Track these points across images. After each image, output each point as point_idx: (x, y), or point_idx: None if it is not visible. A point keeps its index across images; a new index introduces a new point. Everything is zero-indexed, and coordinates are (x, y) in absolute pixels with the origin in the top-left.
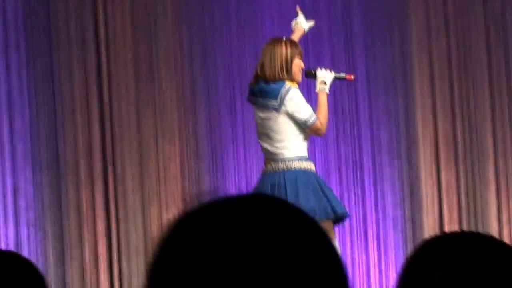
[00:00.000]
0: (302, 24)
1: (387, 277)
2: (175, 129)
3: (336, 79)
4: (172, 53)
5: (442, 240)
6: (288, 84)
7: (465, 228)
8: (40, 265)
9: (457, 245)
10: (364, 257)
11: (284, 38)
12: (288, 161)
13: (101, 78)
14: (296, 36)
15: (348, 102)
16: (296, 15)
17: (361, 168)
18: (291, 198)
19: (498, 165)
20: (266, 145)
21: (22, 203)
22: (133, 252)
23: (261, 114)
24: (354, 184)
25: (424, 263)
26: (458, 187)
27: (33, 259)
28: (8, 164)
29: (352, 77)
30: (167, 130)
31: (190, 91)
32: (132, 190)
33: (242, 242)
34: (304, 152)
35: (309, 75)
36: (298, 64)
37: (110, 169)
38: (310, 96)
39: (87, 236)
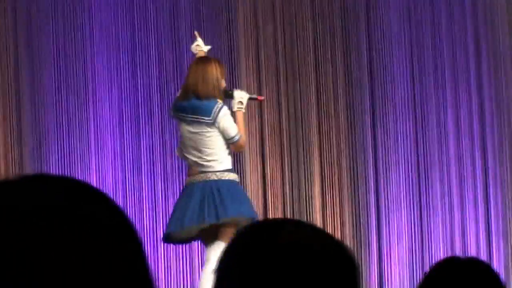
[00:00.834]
0: (202, 47)
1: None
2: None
3: (250, 99)
4: None
5: (259, 227)
6: (220, 102)
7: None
8: None
9: (272, 231)
10: (188, 250)
11: (212, 59)
12: (219, 173)
13: None
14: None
15: (175, 93)
16: (194, 39)
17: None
18: (231, 204)
19: (322, 157)
20: (195, 158)
21: None
22: None
23: (191, 129)
24: (179, 176)
25: (239, 249)
26: (282, 179)
27: None
28: None
29: (262, 98)
30: None
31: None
32: None
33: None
34: (231, 165)
35: (227, 95)
36: (222, 84)
37: None
38: None
39: None
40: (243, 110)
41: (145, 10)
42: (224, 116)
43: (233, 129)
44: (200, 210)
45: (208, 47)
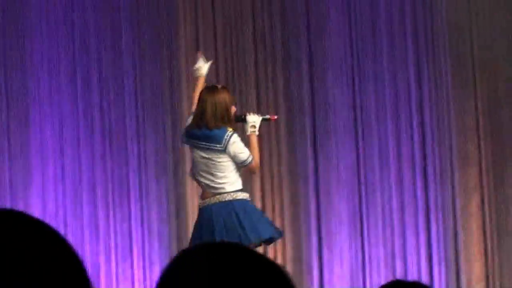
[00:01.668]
0: (203, 70)
1: None
2: None
3: (263, 120)
4: None
5: (198, 250)
6: (229, 130)
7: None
8: None
9: (211, 254)
10: (129, 272)
11: (219, 87)
12: (233, 193)
13: None
14: (200, 83)
15: (116, 116)
16: (196, 60)
17: (128, 183)
18: (250, 230)
19: (264, 182)
20: (207, 181)
21: None
22: None
23: (204, 154)
24: (120, 199)
25: (179, 272)
26: None
27: None
28: None
29: (275, 117)
30: None
31: None
32: None
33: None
34: (241, 185)
35: (239, 119)
36: (233, 109)
37: None
38: None
39: None
40: (257, 133)
41: (86, 31)
42: (233, 144)
43: (244, 154)
44: (227, 236)
45: (209, 64)
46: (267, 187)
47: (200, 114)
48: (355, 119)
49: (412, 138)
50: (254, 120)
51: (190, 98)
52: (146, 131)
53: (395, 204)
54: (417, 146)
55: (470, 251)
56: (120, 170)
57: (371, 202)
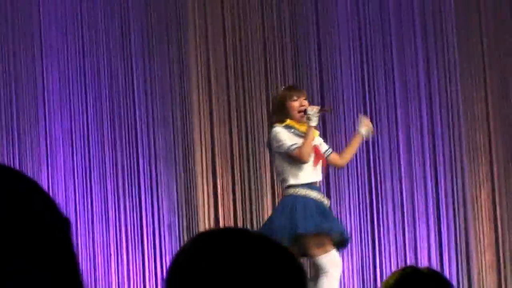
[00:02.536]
0: (362, 131)
1: (163, 284)
2: None
3: (320, 111)
4: None
5: (212, 235)
6: (275, 126)
7: None
8: None
9: (225, 240)
10: (141, 263)
11: (283, 88)
12: (288, 188)
13: None
14: (355, 141)
15: (125, 108)
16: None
17: (138, 174)
18: (295, 218)
19: (273, 173)
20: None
21: None
22: None
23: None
24: (131, 190)
25: (192, 255)
26: (234, 194)
27: None
28: None
29: (329, 109)
30: None
31: None
32: None
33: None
34: (299, 180)
35: (305, 113)
36: (294, 105)
37: None
38: None
39: None
40: (312, 124)
41: (95, 22)
42: (273, 139)
43: (285, 143)
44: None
45: (368, 129)
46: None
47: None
48: (365, 111)
49: (421, 129)
50: (311, 111)
51: (200, 89)
52: (156, 122)
53: (405, 194)
54: (426, 136)
55: (480, 241)
56: (130, 161)
57: (381, 192)
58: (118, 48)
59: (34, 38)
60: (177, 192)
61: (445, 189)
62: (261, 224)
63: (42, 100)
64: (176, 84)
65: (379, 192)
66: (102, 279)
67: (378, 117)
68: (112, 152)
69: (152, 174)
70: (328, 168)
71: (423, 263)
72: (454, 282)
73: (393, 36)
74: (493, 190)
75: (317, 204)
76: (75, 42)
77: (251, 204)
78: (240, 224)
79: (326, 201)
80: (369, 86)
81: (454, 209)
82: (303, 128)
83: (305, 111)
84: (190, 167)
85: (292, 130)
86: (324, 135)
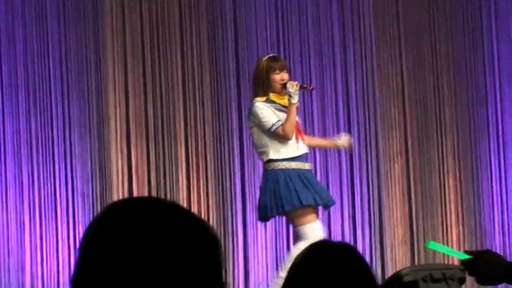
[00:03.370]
0: (340, 142)
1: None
2: None
3: (301, 88)
4: None
5: (125, 204)
6: (256, 100)
7: None
8: None
9: (137, 209)
10: (54, 232)
11: (262, 56)
12: (268, 163)
13: None
14: (323, 142)
15: (40, 78)
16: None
17: (52, 144)
18: (280, 197)
19: (188, 145)
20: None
21: None
22: None
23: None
24: (45, 160)
25: (104, 224)
26: (148, 164)
27: None
28: None
29: (312, 87)
30: None
31: None
32: None
33: None
34: (281, 155)
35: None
36: (276, 78)
37: None
38: None
39: None
40: (292, 101)
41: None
42: (255, 115)
43: (268, 121)
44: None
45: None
46: (193, 150)
47: None
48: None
49: (336, 102)
50: (291, 87)
51: (114, 61)
52: (70, 92)
53: (318, 166)
54: (341, 109)
55: (394, 215)
56: (44, 130)
57: None
58: (34, 18)
59: None
60: (91, 162)
61: (359, 163)
62: (175, 194)
63: None
64: (91, 55)
65: None
66: (16, 247)
67: None
68: (26, 121)
69: (66, 144)
70: None
71: (336, 237)
72: (367, 256)
73: (309, 5)
74: (407, 164)
75: (300, 173)
76: None
77: (165, 174)
78: (154, 194)
79: (307, 166)
80: (284, 56)
81: (368, 183)
82: (283, 101)
83: (284, 86)
84: (104, 137)
85: (274, 105)
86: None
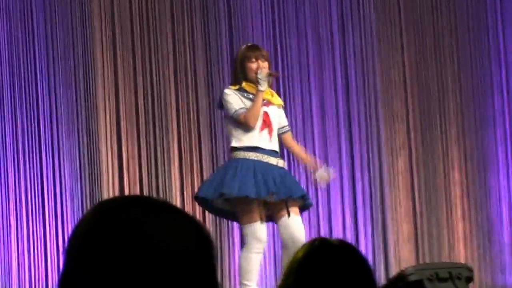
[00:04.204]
0: (320, 176)
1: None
2: None
3: (269, 75)
4: None
5: (114, 203)
6: (225, 87)
7: None
8: None
9: (127, 208)
10: (41, 231)
11: (241, 46)
12: (230, 151)
13: None
14: (305, 159)
15: (26, 71)
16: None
17: (39, 139)
18: (224, 178)
19: (181, 140)
20: None
21: None
22: None
23: None
24: (31, 155)
25: (93, 224)
26: (139, 159)
27: None
28: None
29: (276, 74)
30: None
31: None
32: None
33: None
34: (241, 143)
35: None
36: (252, 67)
37: None
38: None
39: None
40: (260, 88)
41: None
42: (221, 100)
43: (231, 107)
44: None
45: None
46: (186, 146)
47: None
48: (277, 69)
49: (336, 93)
50: (259, 76)
51: (104, 51)
52: (58, 85)
53: (318, 161)
54: (341, 102)
55: (397, 211)
56: (31, 125)
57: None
58: (19, 9)
59: None
60: (79, 158)
61: (360, 156)
62: (168, 192)
63: None
64: (79, 46)
65: (291, 159)
66: (2, 247)
67: (291, 80)
68: (12, 115)
69: (54, 139)
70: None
71: (338, 234)
72: (370, 255)
73: None
74: (410, 157)
75: (259, 165)
76: None
77: (157, 170)
78: (146, 192)
79: (274, 162)
80: (282, 47)
81: (369, 178)
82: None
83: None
84: (94, 132)
85: (245, 94)
86: None
